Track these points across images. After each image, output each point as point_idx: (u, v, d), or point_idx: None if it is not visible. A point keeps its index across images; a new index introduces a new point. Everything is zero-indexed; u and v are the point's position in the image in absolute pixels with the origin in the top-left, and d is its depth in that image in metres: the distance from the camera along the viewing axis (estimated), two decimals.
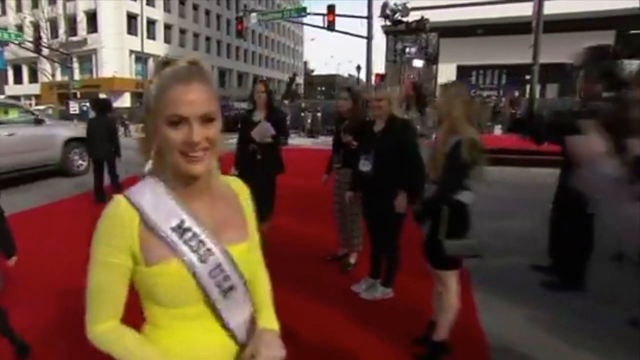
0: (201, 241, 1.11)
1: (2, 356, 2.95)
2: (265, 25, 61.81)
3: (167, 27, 50.60)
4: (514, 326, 3.51)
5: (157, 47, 47.94)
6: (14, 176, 8.94)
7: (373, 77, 23.23)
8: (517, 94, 28.08)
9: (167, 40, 50.57)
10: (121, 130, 19.64)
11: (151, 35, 47.64)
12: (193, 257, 1.09)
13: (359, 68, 45.09)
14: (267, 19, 25.20)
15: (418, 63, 21.85)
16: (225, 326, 1.19)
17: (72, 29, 40.34)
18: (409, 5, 20.01)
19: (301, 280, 4.29)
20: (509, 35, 28.22)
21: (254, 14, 23.22)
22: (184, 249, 1.09)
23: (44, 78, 42.59)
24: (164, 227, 1.08)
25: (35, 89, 46.51)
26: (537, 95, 28.27)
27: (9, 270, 3.10)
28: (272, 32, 73.38)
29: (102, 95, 28.00)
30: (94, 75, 44.31)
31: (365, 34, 21.67)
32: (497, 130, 20.32)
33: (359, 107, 4.34)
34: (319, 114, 23.60)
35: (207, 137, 1.05)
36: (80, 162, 10.49)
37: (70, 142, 10.18)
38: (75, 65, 39.92)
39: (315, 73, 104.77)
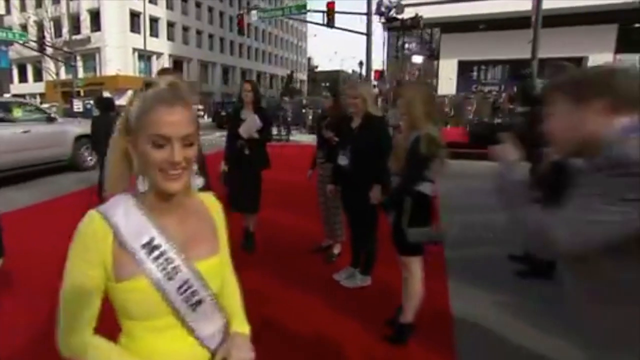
0: (169, 259, 1.14)
1: (3, 356, 3.07)
2: (268, 22, 61.87)
3: (170, 24, 50.82)
4: (482, 310, 3.72)
5: (160, 45, 48.24)
6: (19, 173, 9.29)
7: (372, 73, 23.39)
8: (516, 89, 28.07)
9: (170, 37, 50.81)
10: None
11: (154, 33, 47.89)
12: (160, 275, 1.12)
13: (361, 64, 45.06)
14: (267, 16, 25.41)
15: (417, 59, 21.97)
16: (196, 337, 1.22)
17: (75, 27, 40.60)
18: (403, 2, 20.12)
19: (287, 270, 4.52)
20: (510, 30, 28.16)
21: (254, 12, 23.42)
22: (152, 266, 1.12)
23: (48, 77, 42.90)
24: (134, 244, 1.12)
25: (39, 87, 46.90)
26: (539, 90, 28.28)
27: (8, 267, 3.24)
28: (275, 28, 73.38)
29: (105, 94, 28.31)
30: (98, 74, 44.67)
31: (365, 30, 21.84)
32: None
33: (340, 105, 4.55)
34: (319, 110, 23.70)
35: (186, 157, 1.09)
36: (89, 157, 10.87)
37: (81, 139, 10.58)
38: (79, 63, 40.20)
39: (319, 69, 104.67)
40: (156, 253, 1.13)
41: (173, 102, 1.08)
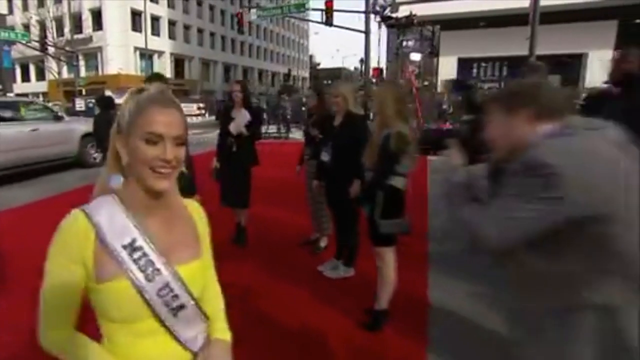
0: (150, 260, 1.14)
1: (4, 354, 3.16)
2: (269, 20, 61.97)
3: (172, 23, 50.96)
4: (458, 300, 3.88)
5: (162, 44, 48.40)
6: (25, 170, 9.60)
7: (371, 71, 23.53)
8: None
9: (171, 36, 50.96)
10: None
11: (156, 32, 48.10)
12: (140, 276, 1.13)
13: (362, 61, 45.32)
14: (266, 15, 25.57)
15: (416, 56, 22.05)
16: (179, 341, 1.23)
17: (77, 27, 40.88)
18: (398, 0, 20.20)
19: (277, 263, 4.71)
20: (510, 27, 28.09)
21: (253, 10, 23.58)
22: (133, 267, 1.12)
23: (50, 76, 43.20)
24: (116, 245, 1.12)
25: (42, 86, 47.18)
26: None
27: (7, 266, 3.36)
28: (277, 26, 73.40)
29: (107, 93, 28.48)
30: (100, 73, 44.87)
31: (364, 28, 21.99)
32: None
33: (324, 104, 4.72)
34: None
35: (177, 156, 1.13)
36: (95, 154, 11.16)
37: (86, 137, 10.87)
38: (81, 62, 40.48)
39: (321, 66, 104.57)
40: (137, 255, 1.14)
41: (167, 104, 1.14)
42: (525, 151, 1.39)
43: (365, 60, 22.08)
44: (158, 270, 1.15)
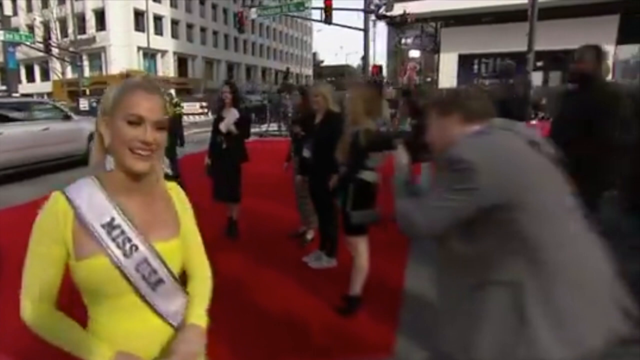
0: (128, 237, 1.20)
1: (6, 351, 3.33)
2: (272, 18, 62.06)
3: (175, 22, 51.20)
4: (433, 287, 4.10)
5: (165, 43, 48.64)
6: (31, 168, 9.95)
7: (370, 68, 23.72)
8: (511, 82, 28.05)
9: (174, 35, 51.21)
10: None
11: (159, 31, 48.37)
12: (118, 252, 1.18)
13: (364, 59, 45.50)
14: (267, 14, 25.77)
15: (415, 53, 22.26)
16: (158, 314, 1.28)
17: (81, 27, 41.19)
18: None
19: (266, 254, 4.95)
20: (511, 23, 28.06)
21: (253, 9, 23.81)
22: (111, 244, 1.18)
23: (55, 76, 43.60)
24: (95, 224, 1.18)
25: (47, 87, 47.51)
26: (540, 82, 28.15)
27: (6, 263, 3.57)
28: (280, 24, 73.39)
29: None
30: (103, 72, 45.17)
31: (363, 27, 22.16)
32: None
33: (308, 102, 4.95)
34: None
35: (156, 140, 1.19)
36: None
37: (94, 135, 11.18)
38: (85, 63, 40.80)
39: (325, 64, 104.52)
40: (116, 233, 1.19)
41: (151, 91, 1.21)
42: (449, 149, 1.63)
43: (364, 58, 22.27)
44: (136, 246, 1.21)
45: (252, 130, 6.30)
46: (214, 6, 58.05)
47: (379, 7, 20.39)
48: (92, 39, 44.10)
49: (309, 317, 3.62)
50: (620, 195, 4.67)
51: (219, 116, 5.32)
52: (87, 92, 33.84)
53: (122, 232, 1.20)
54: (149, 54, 44.81)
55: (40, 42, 30.61)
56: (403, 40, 21.60)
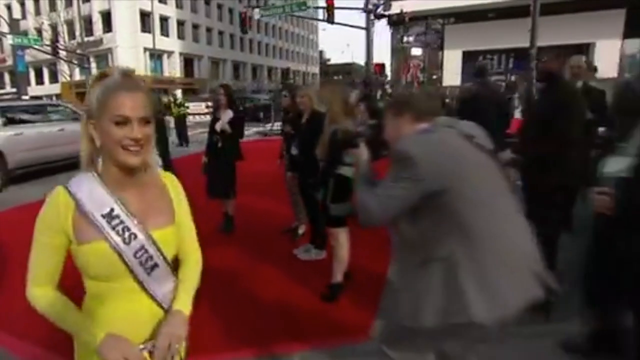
0: (127, 227, 1.30)
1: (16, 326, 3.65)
2: (278, 17, 62.15)
3: (180, 23, 51.36)
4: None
5: (171, 44, 48.91)
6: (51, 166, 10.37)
7: (373, 67, 23.88)
8: (512, 78, 28.04)
9: (180, 36, 51.41)
10: None
11: (165, 32, 48.66)
12: (118, 240, 1.28)
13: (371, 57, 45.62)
14: (269, 14, 26.02)
15: (416, 51, 22.39)
16: (152, 297, 1.38)
17: (88, 29, 41.60)
18: None
19: (259, 248, 5.21)
20: (516, 19, 27.87)
21: (257, 10, 24.04)
22: (111, 232, 1.28)
23: (63, 78, 44.09)
24: (96, 214, 1.28)
25: (55, 88, 47.91)
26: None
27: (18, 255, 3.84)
28: (285, 23, 73.30)
29: None
30: None
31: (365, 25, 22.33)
32: None
33: (296, 102, 5.20)
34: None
35: (144, 134, 1.26)
36: None
37: None
38: (93, 64, 41.20)
39: (332, 62, 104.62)
40: (115, 222, 1.29)
41: (132, 89, 1.26)
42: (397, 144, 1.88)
43: (367, 56, 22.44)
44: (134, 235, 1.31)
45: (257, 129, 6.56)
46: (219, 6, 58.16)
47: (377, 6, 20.55)
48: (99, 41, 44.53)
49: (297, 304, 3.88)
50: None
51: (215, 117, 5.60)
52: None
53: (121, 221, 1.30)
54: (155, 55, 45.19)
55: (48, 45, 31.01)
56: (405, 39, 21.76)
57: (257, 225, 6.06)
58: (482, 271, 1.71)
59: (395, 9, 20.82)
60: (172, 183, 1.50)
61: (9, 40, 27.62)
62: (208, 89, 48.24)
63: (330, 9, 21.48)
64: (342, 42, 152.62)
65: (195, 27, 53.96)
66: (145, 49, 45.97)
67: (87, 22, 42.77)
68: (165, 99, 17.46)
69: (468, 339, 2.01)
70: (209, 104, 36.64)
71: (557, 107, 3.29)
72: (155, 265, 1.36)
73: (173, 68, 49.49)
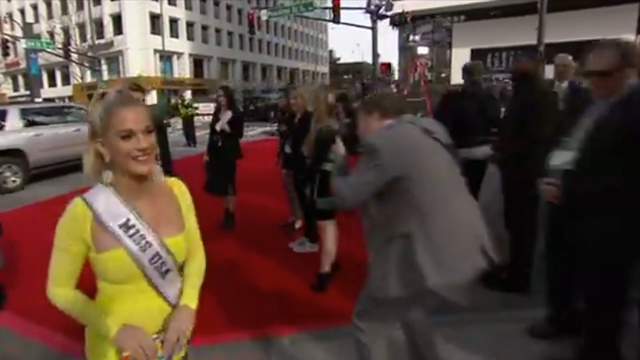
0: (142, 235, 1.39)
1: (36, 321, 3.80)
2: (287, 17, 62.33)
3: (190, 24, 51.71)
4: None
5: (180, 45, 49.27)
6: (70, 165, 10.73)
7: (379, 66, 24.05)
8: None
9: (190, 37, 51.81)
10: None
11: (174, 34, 49.10)
12: (135, 248, 1.37)
13: (377, 56, 45.71)
14: (277, 15, 26.28)
15: (422, 50, 22.46)
16: (164, 297, 1.49)
17: (99, 32, 42.20)
18: None
19: (258, 242, 5.47)
20: (525, 16, 27.75)
21: (264, 11, 24.32)
22: (128, 241, 1.36)
23: (75, 80, 44.74)
24: (112, 224, 1.36)
25: (67, 90, 48.65)
26: (552, 76, 27.75)
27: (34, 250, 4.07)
28: (294, 23, 73.44)
29: None
30: (121, 75, 46.07)
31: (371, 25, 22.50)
32: None
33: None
34: None
35: (149, 143, 1.35)
36: None
37: None
38: (104, 66, 41.76)
39: (342, 61, 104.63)
40: (132, 231, 1.37)
41: (131, 104, 1.35)
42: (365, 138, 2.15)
43: (373, 56, 22.62)
44: (150, 243, 1.40)
45: (264, 129, 6.82)
46: (228, 7, 58.43)
47: (378, 7, 20.69)
48: (110, 43, 45.08)
49: (291, 292, 4.16)
50: None
51: (216, 117, 5.86)
52: None
53: (137, 230, 1.39)
54: (165, 56, 45.58)
55: (60, 48, 31.54)
56: (411, 37, 21.86)
57: (256, 220, 6.33)
58: (435, 246, 1.97)
59: (397, 8, 20.93)
60: (179, 189, 1.59)
61: (22, 44, 28.19)
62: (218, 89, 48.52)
63: (336, 9, 21.69)
64: (352, 41, 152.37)
65: (205, 28, 54.30)
66: (155, 51, 46.42)
67: (98, 25, 43.44)
68: (173, 100, 17.79)
69: (425, 306, 2.30)
70: None
71: (528, 107, 3.46)
72: (169, 270, 1.47)
73: (183, 69, 49.91)
